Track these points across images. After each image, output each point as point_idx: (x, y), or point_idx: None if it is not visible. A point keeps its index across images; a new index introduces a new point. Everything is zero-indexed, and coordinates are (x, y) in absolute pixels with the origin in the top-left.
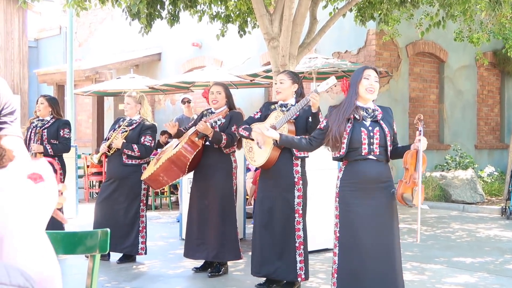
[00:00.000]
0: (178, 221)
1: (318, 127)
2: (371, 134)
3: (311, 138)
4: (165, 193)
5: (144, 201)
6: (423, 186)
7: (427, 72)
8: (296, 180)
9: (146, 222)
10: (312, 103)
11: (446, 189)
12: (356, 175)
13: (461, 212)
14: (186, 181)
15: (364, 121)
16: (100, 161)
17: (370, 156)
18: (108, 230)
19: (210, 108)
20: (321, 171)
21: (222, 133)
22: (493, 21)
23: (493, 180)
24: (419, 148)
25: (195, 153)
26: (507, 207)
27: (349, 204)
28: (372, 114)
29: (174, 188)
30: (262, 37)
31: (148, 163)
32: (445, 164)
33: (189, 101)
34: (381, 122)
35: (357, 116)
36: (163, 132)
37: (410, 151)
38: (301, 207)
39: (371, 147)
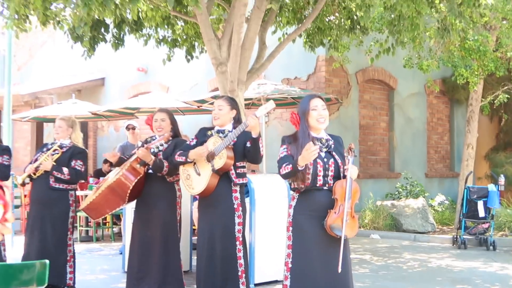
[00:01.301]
0: (121, 253)
1: (284, 154)
2: (326, 166)
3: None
4: (107, 223)
5: (71, 229)
6: (356, 217)
7: (377, 99)
8: (235, 206)
9: (74, 252)
10: (251, 127)
11: (397, 218)
12: (311, 203)
13: (412, 242)
14: (129, 211)
15: (320, 152)
16: (23, 183)
17: (325, 188)
18: (47, 261)
19: (154, 136)
20: (270, 201)
21: (164, 161)
22: (442, 49)
23: (444, 209)
24: (347, 178)
25: (136, 180)
26: (458, 236)
27: (303, 231)
28: (327, 144)
29: (117, 219)
30: (210, 62)
31: (75, 190)
32: (396, 193)
33: (133, 128)
34: (334, 153)
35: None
36: (106, 161)
37: (339, 181)
38: (241, 234)
39: (326, 179)
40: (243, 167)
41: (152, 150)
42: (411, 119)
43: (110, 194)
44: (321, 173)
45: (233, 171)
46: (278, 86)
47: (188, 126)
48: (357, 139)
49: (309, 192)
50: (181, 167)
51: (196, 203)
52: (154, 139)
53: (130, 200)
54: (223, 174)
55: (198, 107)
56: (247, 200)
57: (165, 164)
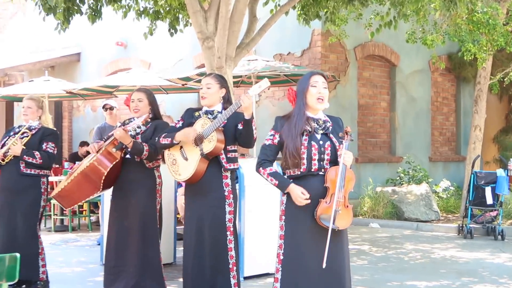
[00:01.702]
0: (99, 244)
1: (268, 143)
2: (322, 149)
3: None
4: (84, 212)
5: (40, 219)
6: (350, 206)
7: (377, 77)
8: (226, 194)
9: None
10: (244, 107)
11: (399, 206)
12: (308, 189)
13: (414, 231)
14: (107, 198)
15: (315, 134)
16: None
17: (320, 173)
18: (17, 255)
19: (133, 117)
20: (261, 187)
21: (144, 144)
22: (448, 22)
23: (448, 195)
24: (340, 164)
25: (111, 166)
26: (464, 225)
27: (297, 221)
28: (324, 126)
29: (95, 207)
30: (196, 36)
31: (47, 176)
32: (397, 178)
33: (111, 108)
34: (331, 135)
35: (309, 129)
36: (82, 143)
37: (332, 168)
38: (232, 223)
39: (322, 163)
40: (234, 151)
41: (129, 133)
42: (414, 98)
43: (84, 180)
44: (316, 157)
45: (223, 156)
46: (270, 63)
47: (172, 106)
48: (356, 120)
49: (303, 178)
50: (166, 152)
51: (180, 190)
52: (131, 121)
53: (105, 188)
54: (212, 159)
55: (183, 85)
56: (237, 186)
57: (145, 147)
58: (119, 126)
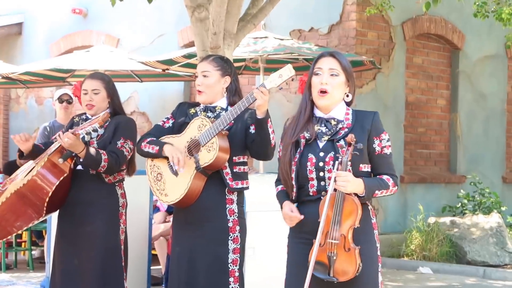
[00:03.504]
0: None
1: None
2: (321, 164)
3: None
4: (23, 244)
5: None
6: (355, 249)
7: (433, 64)
8: (230, 224)
9: None
10: (258, 104)
11: (459, 244)
12: (306, 221)
13: (481, 279)
14: (55, 227)
15: (318, 142)
16: None
17: (322, 197)
18: None
19: (85, 113)
20: (268, 215)
21: (102, 151)
22: None
23: None
24: (329, 190)
25: (57, 182)
26: None
27: (298, 265)
28: (334, 129)
29: (38, 237)
30: (182, 3)
31: None
32: (458, 206)
33: (69, 101)
34: (340, 143)
35: (307, 135)
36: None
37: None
38: (237, 266)
39: (322, 183)
40: (244, 164)
41: (81, 136)
42: (484, 94)
43: (19, 202)
44: (313, 175)
45: (228, 170)
46: (285, 42)
47: (148, 99)
48: (402, 124)
49: (303, 205)
50: (148, 162)
51: (157, 216)
52: (83, 119)
53: (49, 212)
54: (212, 175)
55: (164, 70)
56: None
57: (103, 156)
58: (68, 129)
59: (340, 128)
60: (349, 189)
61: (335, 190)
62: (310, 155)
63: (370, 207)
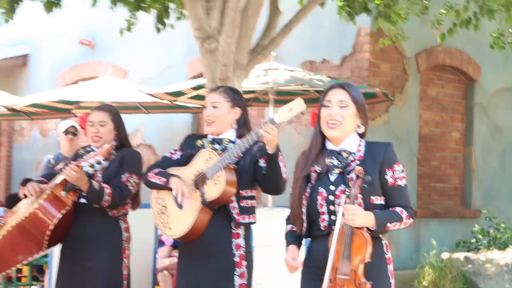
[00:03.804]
0: None
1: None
2: (331, 197)
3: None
4: (23, 279)
5: None
6: (367, 285)
7: (448, 96)
8: (237, 259)
9: None
10: (267, 140)
11: (474, 281)
12: (314, 257)
13: None
14: (57, 262)
15: (329, 175)
16: None
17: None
18: None
19: (90, 145)
20: (276, 250)
21: (106, 186)
22: None
23: None
24: (337, 224)
25: (60, 216)
26: None
27: None
28: (345, 161)
29: (39, 272)
30: (192, 34)
31: None
32: (472, 241)
33: (75, 133)
34: (350, 175)
35: (318, 169)
36: (26, 181)
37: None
38: None
39: (332, 217)
40: (251, 198)
41: (84, 168)
42: (499, 128)
43: (21, 236)
44: (324, 209)
45: (235, 205)
46: (296, 73)
47: (155, 132)
48: (415, 157)
49: (316, 240)
50: (154, 194)
51: (163, 250)
52: (88, 151)
53: (50, 245)
54: (219, 209)
55: (172, 102)
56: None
57: (107, 190)
58: (70, 160)
59: (351, 161)
60: (357, 222)
61: (344, 224)
62: (321, 189)
63: (384, 241)
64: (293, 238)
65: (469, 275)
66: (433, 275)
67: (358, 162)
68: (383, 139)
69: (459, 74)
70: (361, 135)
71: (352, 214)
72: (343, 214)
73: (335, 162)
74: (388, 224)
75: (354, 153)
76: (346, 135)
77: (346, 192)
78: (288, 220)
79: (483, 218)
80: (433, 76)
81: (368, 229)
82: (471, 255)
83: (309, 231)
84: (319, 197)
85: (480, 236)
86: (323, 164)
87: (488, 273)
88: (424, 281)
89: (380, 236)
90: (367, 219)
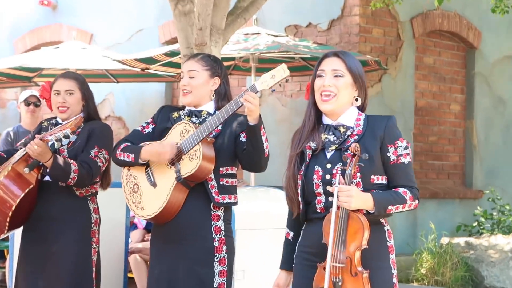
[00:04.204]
0: None
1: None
2: (327, 176)
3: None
4: None
5: None
6: (364, 274)
7: (446, 64)
8: (216, 244)
9: None
10: (248, 109)
11: (476, 268)
12: (309, 241)
13: None
14: (19, 246)
15: (325, 152)
16: None
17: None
18: None
19: (55, 118)
20: (261, 234)
21: (73, 162)
22: None
23: None
24: (333, 207)
25: (23, 194)
26: None
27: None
28: (342, 137)
29: None
30: None
31: None
32: (473, 225)
33: (36, 103)
34: (347, 152)
35: (313, 145)
36: None
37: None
38: None
39: (330, 198)
40: (232, 176)
41: (50, 143)
42: (502, 100)
43: None
44: (320, 189)
45: (213, 183)
46: (279, 39)
47: (125, 102)
48: (411, 131)
49: (311, 223)
50: (124, 171)
51: (135, 234)
52: (53, 123)
53: (12, 228)
54: (195, 188)
55: (143, 70)
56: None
57: (73, 167)
58: (32, 135)
59: (349, 136)
60: (353, 205)
61: (338, 207)
62: (317, 168)
63: (387, 227)
64: (287, 255)
65: (470, 261)
66: (432, 262)
67: (356, 137)
68: (375, 111)
69: (458, 40)
70: (361, 109)
71: (348, 196)
72: (337, 196)
73: (332, 137)
74: (390, 207)
75: (352, 127)
76: (343, 108)
77: (341, 172)
78: (288, 221)
79: (486, 199)
80: (429, 42)
81: (368, 212)
82: (472, 240)
83: (305, 213)
84: (314, 176)
85: (483, 219)
86: (319, 140)
87: (491, 259)
88: (422, 268)
89: (382, 221)
90: (365, 201)
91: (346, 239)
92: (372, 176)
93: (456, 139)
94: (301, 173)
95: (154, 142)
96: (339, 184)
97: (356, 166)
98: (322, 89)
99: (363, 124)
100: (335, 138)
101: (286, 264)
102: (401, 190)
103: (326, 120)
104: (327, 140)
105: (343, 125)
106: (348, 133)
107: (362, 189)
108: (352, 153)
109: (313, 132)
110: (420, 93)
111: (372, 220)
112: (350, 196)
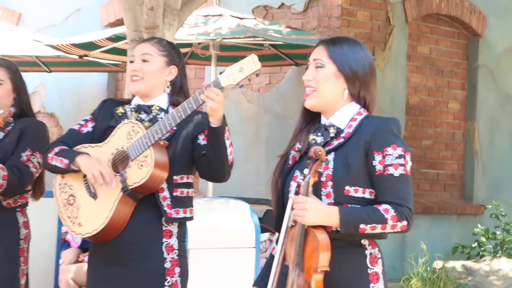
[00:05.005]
0: None
1: None
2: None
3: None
4: None
5: None
6: None
7: (444, 55)
8: (168, 265)
9: None
10: (211, 109)
11: None
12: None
13: None
14: None
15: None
16: None
17: None
18: None
19: None
20: (217, 254)
21: (1, 166)
22: None
23: None
24: (284, 221)
25: None
26: None
27: None
28: (331, 138)
29: None
30: None
31: None
32: (473, 246)
33: None
34: (335, 155)
35: (298, 146)
36: None
37: (295, 226)
38: None
39: None
40: (188, 185)
41: None
42: (511, 97)
43: None
44: None
45: (165, 194)
46: (246, 22)
47: (58, 96)
48: (402, 133)
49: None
50: (57, 179)
51: (67, 253)
52: None
53: None
54: (144, 200)
55: (81, 57)
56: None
57: (2, 172)
58: None
59: (333, 138)
60: (308, 219)
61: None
62: (297, 173)
63: (370, 250)
64: (265, 270)
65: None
66: None
67: (342, 140)
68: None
69: (459, 26)
70: (368, 108)
71: (301, 209)
72: (292, 208)
73: (319, 139)
74: (362, 226)
75: (342, 129)
76: (334, 105)
77: (298, 179)
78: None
79: (488, 215)
80: (425, 28)
81: (338, 230)
82: (471, 263)
83: (278, 224)
84: (292, 183)
85: (484, 239)
86: (306, 141)
87: (495, 286)
88: None
89: (364, 243)
90: (327, 215)
91: (303, 260)
92: (347, 187)
93: (454, 144)
94: (280, 180)
95: (94, 147)
96: (296, 193)
97: (317, 172)
98: (305, 83)
99: (356, 125)
100: (322, 139)
101: (260, 280)
102: (382, 207)
103: (322, 119)
104: (313, 141)
105: (332, 125)
106: (332, 134)
107: (332, 201)
108: (314, 158)
109: (302, 132)
110: (413, 88)
111: (349, 240)
112: (304, 209)
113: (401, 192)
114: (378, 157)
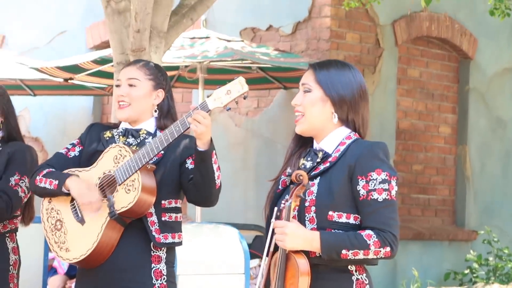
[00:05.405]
0: None
1: None
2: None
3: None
4: None
5: None
6: None
7: (435, 78)
8: None
9: None
10: (197, 133)
11: None
12: None
13: None
14: None
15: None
16: None
17: None
18: None
19: None
20: (204, 278)
21: None
22: None
23: None
24: (265, 246)
25: None
26: None
27: None
28: (318, 163)
29: None
30: None
31: None
32: (466, 272)
33: None
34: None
35: (288, 171)
36: None
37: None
38: None
39: None
40: (176, 210)
41: None
42: (502, 121)
43: None
44: None
45: (153, 219)
46: (233, 44)
47: (44, 119)
48: (392, 158)
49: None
50: (43, 204)
51: (54, 279)
52: None
53: None
54: (132, 225)
55: (66, 80)
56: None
57: None
58: None
59: (319, 163)
60: (288, 244)
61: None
62: (286, 197)
63: (358, 276)
64: None
65: None
66: None
67: (328, 165)
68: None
69: (449, 49)
70: (360, 133)
71: (281, 233)
72: (273, 233)
73: (309, 164)
74: (344, 251)
75: (329, 153)
76: (324, 130)
77: (281, 204)
78: None
79: (480, 241)
80: (415, 51)
81: (320, 255)
82: None
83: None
84: (275, 208)
85: (476, 266)
86: (296, 166)
87: None
88: None
89: (351, 268)
90: (308, 240)
91: (284, 284)
92: (330, 213)
93: (446, 169)
94: (270, 203)
95: (81, 171)
96: (277, 218)
97: (298, 197)
98: (294, 108)
99: (343, 150)
100: (311, 164)
101: None
102: (365, 232)
103: (314, 143)
104: (303, 166)
105: (320, 150)
106: (318, 159)
107: (315, 226)
108: (295, 183)
109: (293, 156)
110: (403, 112)
111: (335, 266)
112: (284, 233)
113: (385, 218)
114: (361, 182)
